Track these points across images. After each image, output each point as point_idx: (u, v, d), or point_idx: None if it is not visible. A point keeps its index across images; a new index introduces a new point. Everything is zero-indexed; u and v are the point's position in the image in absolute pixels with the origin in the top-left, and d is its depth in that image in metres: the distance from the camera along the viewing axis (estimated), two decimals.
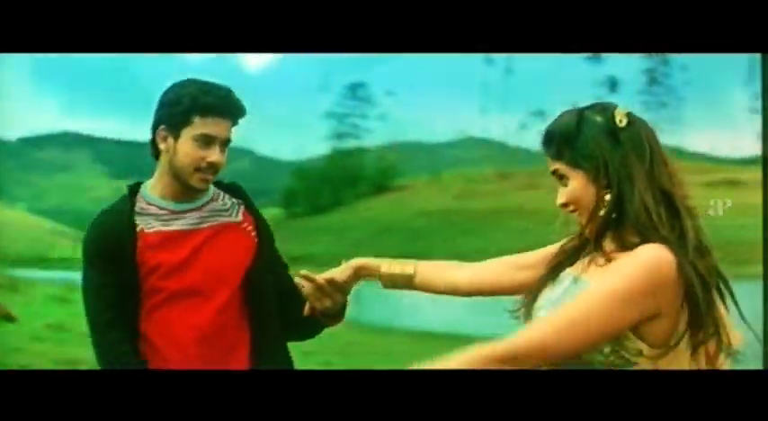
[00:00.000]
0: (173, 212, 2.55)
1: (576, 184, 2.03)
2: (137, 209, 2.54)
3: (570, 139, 2.02)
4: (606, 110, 2.03)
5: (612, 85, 36.28)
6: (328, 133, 39.11)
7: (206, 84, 2.52)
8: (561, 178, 2.05)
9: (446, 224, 33.20)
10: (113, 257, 2.47)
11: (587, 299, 1.95)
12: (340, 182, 38.85)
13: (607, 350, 1.95)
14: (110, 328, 2.47)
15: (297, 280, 2.53)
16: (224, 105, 2.50)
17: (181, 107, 2.48)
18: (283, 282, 2.65)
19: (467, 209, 33.45)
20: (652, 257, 1.93)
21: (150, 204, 2.55)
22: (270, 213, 39.33)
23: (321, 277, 2.46)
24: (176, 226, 2.54)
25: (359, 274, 2.46)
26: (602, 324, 1.92)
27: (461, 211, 33.44)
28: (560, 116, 2.07)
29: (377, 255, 2.50)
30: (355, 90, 38.59)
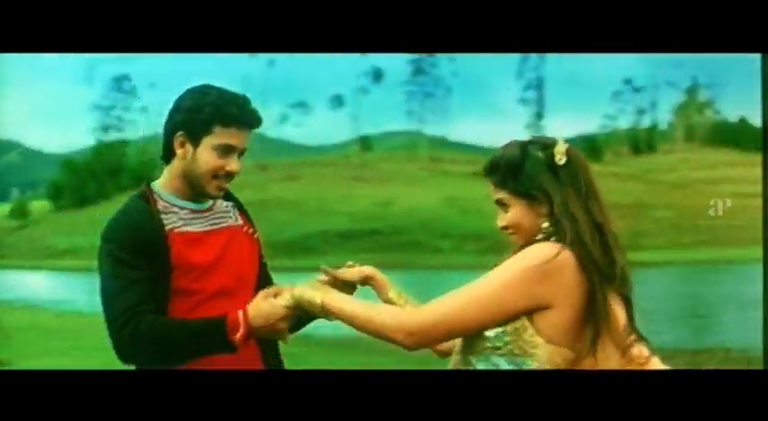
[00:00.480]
0: (193, 211, 2.52)
1: (516, 212, 2.19)
2: (159, 207, 2.48)
3: (514, 172, 2.18)
4: (547, 147, 2.19)
5: (377, 75, 37.04)
6: (94, 125, 36.77)
7: (226, 92, 2.48)
8: (503, 205, 2.22)
9: None
10: (146, 254, 2.40)
11: (485, 281, 2.13)
12: (104, 174, 37.11)
13: (507, 338, 2.11)
14: (156, 315, 2.38)
15: (319, 277, 2.50)
16: (245, 116, 2.47)
17: (202, 115, 2.43)
18: (267, 280, 2.68)
19: None
20: (544, 250, 2.12)
21: (170, 204, 2.50)
22: (37, 206, 36.37)
23: (341, 275, 2.51)
24: (200, 226, 2.51)
25: (365, 282, 2.52)
26: (495, 304, 2.09)
27: None
28: (505, 147, 2.23)
29: None
30: (120, 82, 36.63)
